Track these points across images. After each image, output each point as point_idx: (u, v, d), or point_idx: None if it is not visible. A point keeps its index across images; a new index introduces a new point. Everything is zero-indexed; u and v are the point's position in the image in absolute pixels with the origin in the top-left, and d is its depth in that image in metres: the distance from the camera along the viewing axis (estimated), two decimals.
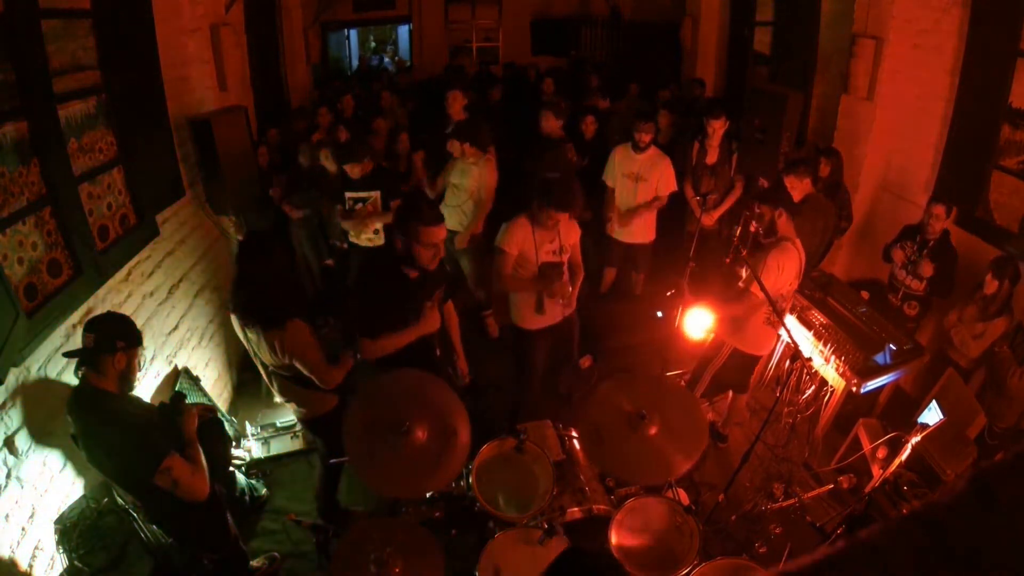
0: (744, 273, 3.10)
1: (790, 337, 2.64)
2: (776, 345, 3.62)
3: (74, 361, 2.18)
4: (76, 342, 2.41)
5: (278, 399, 2.85)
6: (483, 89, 6.89)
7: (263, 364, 2.65)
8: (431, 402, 2.34)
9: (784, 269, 2.96)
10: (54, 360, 2.38)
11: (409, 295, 2.64)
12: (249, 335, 2.55)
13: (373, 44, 13.60)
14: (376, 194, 4.07)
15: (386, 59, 12.83)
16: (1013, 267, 3.23)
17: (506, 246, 3.14)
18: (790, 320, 3.48)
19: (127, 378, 2.24)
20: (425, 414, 2.28)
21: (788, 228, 3.02)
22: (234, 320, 2.57)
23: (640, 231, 4.57)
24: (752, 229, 3.04)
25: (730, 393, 3.72)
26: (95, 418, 2.11)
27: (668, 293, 3.99)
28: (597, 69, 7.71)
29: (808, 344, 3.41)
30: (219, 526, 2.54)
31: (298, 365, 2.53)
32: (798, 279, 3.13)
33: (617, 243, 4.68)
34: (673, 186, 4.44)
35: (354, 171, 3.98)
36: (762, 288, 2.68)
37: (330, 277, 5.07)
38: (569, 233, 3.30)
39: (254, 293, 2.45)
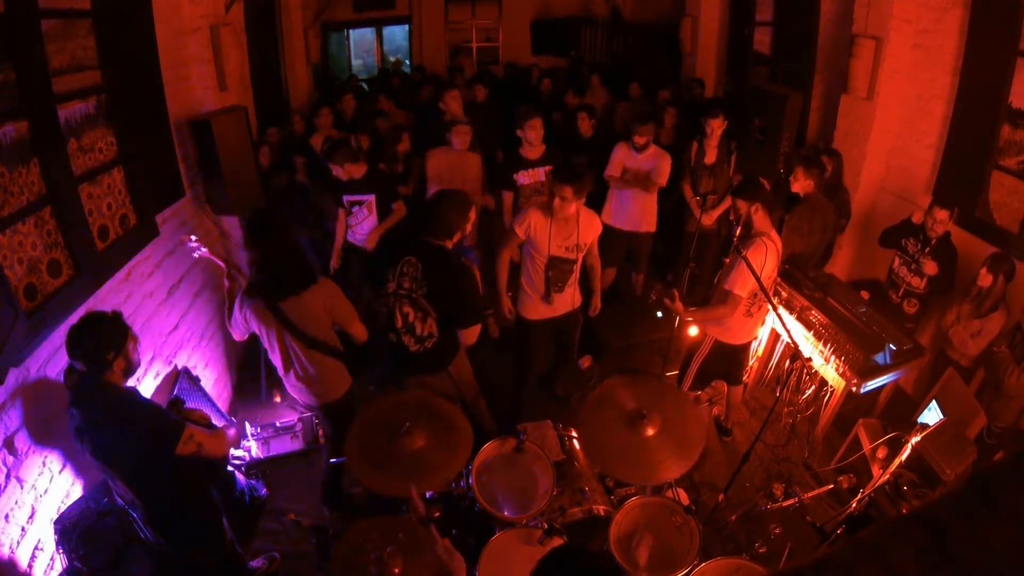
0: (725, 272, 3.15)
1: (787, 333, 2.64)
2: (758, 333, 3.66)
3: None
4: None
5: (297, 391, 2.88)
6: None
7: (299, 339, 2.67)
8: (429, 407, 2.44)
9: (757, 265, 2.96)
10: (54, 360, 2.38)
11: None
12: (283, 312, 2.61)
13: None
14: (372, 197, 4.08)
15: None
16: (1009, 263, 3.23)
17: (516, 225, 3.23)
18: (789, 320, 3.49)
19: (132, 369, 2.20)
20: (424, 417, 2.31)
21: (764, 223, 3.06)
22: (258, 308, 2.63)
23: (640, 218, 4.49)
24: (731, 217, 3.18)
25: (725, 386, 3.73)
26: (105, 407, 2.06)
27: (658, 315, 4.22)
28: (593, 69, 7.70)
29: (808, 344, 3.41)
30: (214, 530, 2.53)
31: (337, 319, 2.75)
32: (776, 270, 3.22)
33: (617, 233, 4.53)
34: (663, 181, 4.37)
35: (341, 172, 3.98)
36: (761, 285, 2.67)
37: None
38: (589, 230, 3.29)
39: (284, 261, 2.61)
